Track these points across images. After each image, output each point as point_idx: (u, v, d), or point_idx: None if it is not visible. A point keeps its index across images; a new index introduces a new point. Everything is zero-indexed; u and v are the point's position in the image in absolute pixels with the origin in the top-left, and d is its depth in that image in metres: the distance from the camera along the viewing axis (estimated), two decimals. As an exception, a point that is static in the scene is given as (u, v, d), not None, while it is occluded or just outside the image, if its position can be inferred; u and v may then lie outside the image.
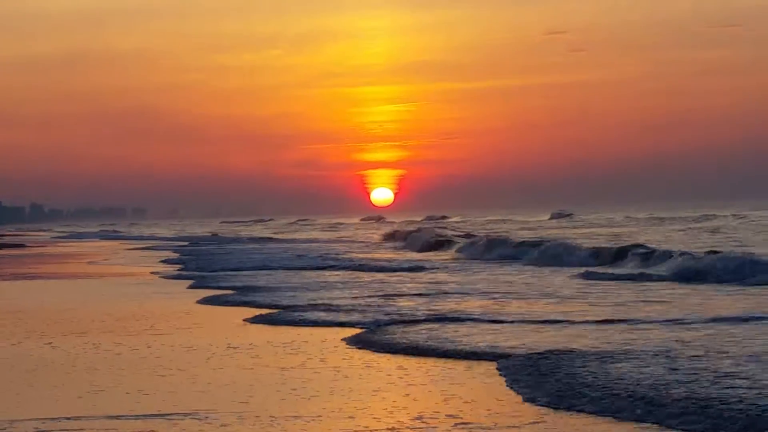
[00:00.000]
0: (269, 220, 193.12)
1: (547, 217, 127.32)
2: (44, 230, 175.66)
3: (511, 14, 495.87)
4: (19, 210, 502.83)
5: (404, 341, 16.55)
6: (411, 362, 14.65)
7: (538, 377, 12.85)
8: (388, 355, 15.33)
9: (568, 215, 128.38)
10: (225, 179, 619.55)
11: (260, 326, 19.62)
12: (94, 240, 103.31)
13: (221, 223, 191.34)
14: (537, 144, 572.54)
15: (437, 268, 37.26)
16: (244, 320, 20.60)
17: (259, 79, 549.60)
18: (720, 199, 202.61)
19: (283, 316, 21.21)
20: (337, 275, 34.56)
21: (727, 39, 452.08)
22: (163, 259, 51.20)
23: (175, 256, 54.92)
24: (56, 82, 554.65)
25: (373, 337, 17.21)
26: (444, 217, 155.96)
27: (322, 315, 21.10)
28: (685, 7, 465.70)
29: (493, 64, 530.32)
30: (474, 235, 58.85)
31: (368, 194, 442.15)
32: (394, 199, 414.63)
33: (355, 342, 16.81)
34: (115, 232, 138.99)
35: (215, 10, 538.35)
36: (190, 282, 32.46)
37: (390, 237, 68.69)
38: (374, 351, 15.79)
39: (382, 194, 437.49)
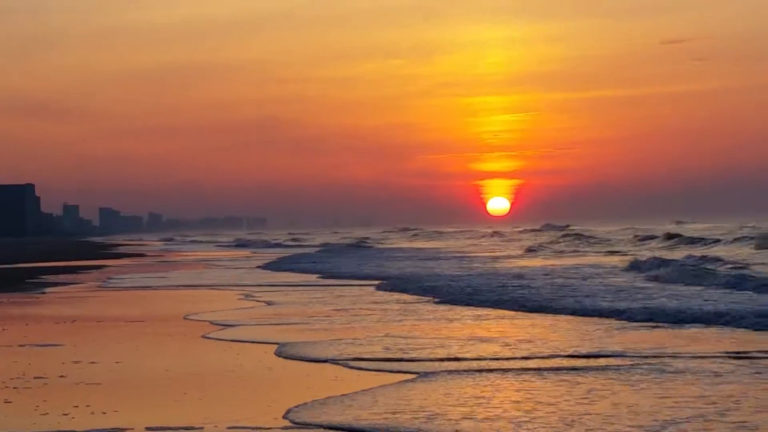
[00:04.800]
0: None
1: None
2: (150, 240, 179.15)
3: (629, 24, 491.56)
4: (138, 219, 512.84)
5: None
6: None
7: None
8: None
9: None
10: (343, 189, 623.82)
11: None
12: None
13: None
14: (654, 153, 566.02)
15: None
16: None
17: (380, 89, 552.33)
18: None
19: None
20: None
21: None
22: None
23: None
24: (175, 94, 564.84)
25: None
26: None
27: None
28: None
29: (609, 74, 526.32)
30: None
31: (484, 204, 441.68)
32: (510, 209, 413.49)
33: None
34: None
35: (336, 21, 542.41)
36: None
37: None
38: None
39: (498, 204, 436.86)
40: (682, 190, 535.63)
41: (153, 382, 13.91)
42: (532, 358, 15.30)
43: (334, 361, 15.37)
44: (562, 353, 15.64)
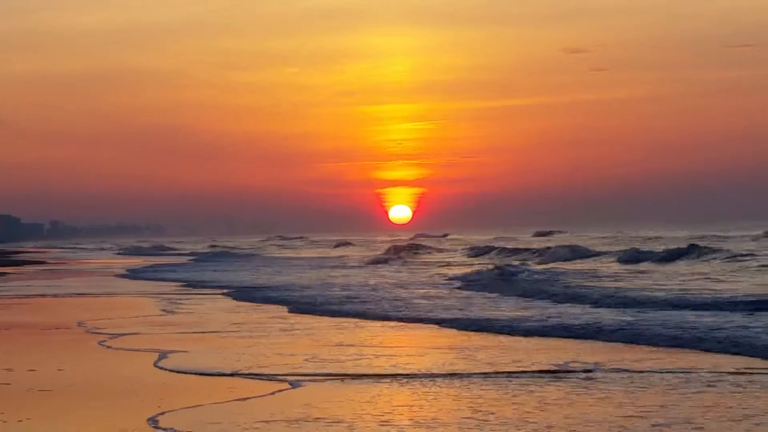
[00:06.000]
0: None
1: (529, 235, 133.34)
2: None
3: (532, 33, 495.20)
4: (39, 227, 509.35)
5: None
6: None
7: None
8: None
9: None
10: (242, 197, 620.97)
11: None
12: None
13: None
14: (557, 163, 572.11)
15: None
16: None
17: (277, 96, 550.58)
18: (744, 220, 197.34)
19: None
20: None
21: (743, 59, 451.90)
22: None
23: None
24: (74, 101, 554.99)
25: None
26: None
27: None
28: (703, 26, 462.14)
29: (513, 83, 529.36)
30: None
31: (386, 212, 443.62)
32: (413, 217, 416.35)
33: None
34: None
35: (232, 28, 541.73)
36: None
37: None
38: None
39: (400, 212, 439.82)
40: (580, 198, 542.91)
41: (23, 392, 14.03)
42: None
43: (212, 371, 15.72)
44: (439, 367, 16.61)
